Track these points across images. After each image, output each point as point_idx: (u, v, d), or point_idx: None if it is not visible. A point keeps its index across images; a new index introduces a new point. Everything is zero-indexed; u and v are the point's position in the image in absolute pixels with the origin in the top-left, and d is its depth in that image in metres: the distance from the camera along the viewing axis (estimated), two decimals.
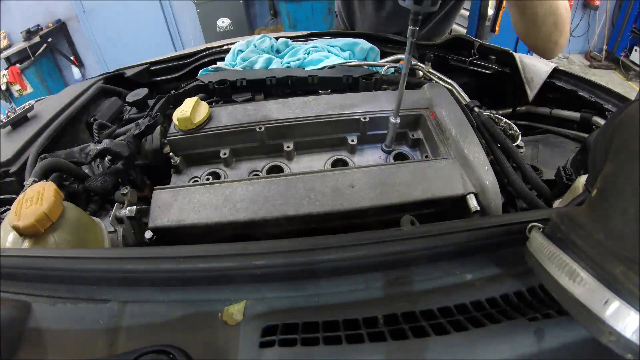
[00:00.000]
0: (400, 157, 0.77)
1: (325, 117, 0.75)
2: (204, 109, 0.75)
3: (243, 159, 0.77)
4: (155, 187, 0.65)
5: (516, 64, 1.04)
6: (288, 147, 0.75)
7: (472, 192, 0.62)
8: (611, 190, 0.33)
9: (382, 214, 0.63)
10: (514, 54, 1.05)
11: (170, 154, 0.73)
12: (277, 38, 1.13)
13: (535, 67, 1.05)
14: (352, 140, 0.76)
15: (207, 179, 0.73)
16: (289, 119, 0.75)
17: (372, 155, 0.77)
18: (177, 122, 0.73)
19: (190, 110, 0.73)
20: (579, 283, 0.31)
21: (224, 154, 0.74)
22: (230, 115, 0.76)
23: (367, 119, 0.74)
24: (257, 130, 0.73)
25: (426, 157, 0.74)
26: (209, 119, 0.75)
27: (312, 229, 0.63)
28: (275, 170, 0.75)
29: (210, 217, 0.59)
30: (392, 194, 0.61)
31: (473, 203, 0.61)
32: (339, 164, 0.75)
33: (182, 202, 0.62)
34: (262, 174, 0.73)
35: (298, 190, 0.62)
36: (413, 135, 0.77)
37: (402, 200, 0.61)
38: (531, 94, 1.01)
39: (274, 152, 0.77)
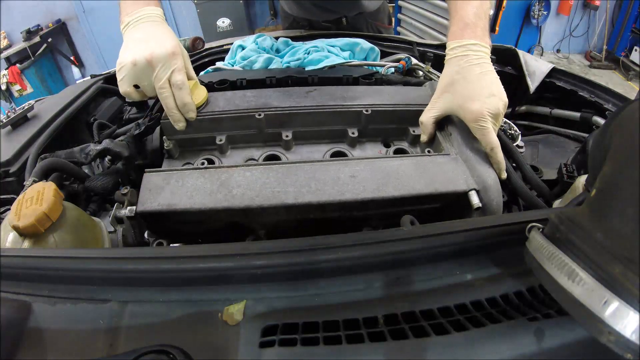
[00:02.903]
0: (400, 153, 0.76)
1: (326, 108, 0.73)
2: (202, 92, 0.73)
3: (239, 146, 0.75)
4: (146, 170, 0.62)
5: (519, 60, 1.04)
6: (287, 136, 0.73)
7: (474, 189, 0.62)
8: (610, 190, 0.33)
9: (383, 207, 0.61)
10: (517, 50, 1.06)
11: (163, 137, 0.71)
12: (277, 38, 1.13)
13: (537, 63, 1.05)
14: (353, 133, 0.74)
15: (202, 164, 0.70)
16: (290, 107, 0.73)
17: (373, 150, 0.76)
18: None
19: None
20: (578, 283, 0.31)
21: (220, 141, 0.71)
22: (228, 100, 0.74)
23: (370, 112, 0.73)
24: (256, 117, 0.70)
25: (428, 152, 0.74)
26: (206, 103, 0.73)
27: (311, 220, 0.61)
28: (273, 159, 0.73)
29: (203, 202, 0.57)
30: (394, 186, 0.60)
31: (475, 200, 0.60)
32: (338, 156, 0.74)
33: (174, 186, 0.59)
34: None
35: (298, 179, 0.60)
36: (414, 131, 0.76)
37: (405, 193, 0.59)
38: (532, 86, 1.02)
39: (272, 141, 0.75)
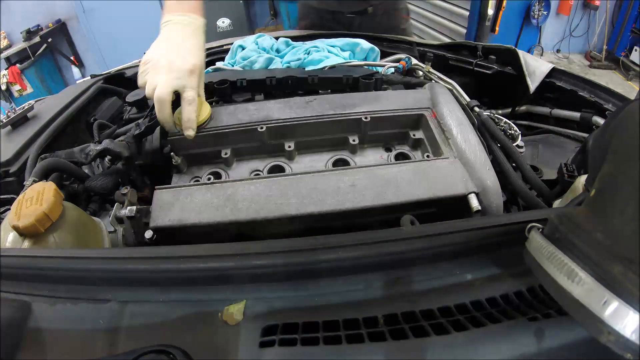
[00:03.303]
0: (401, 157, 0.77)
1: (326, 117, 0.75)
2: (205, 108, 0.75)
3: (244, 158, 0.77)
4: (156, 187, 0.65)
5: (519, 60, 1.04)
6: (289, 146, 0.75)
7: (474, 192, 0.62)
8: (609, 190, 0.33)
9: (383, 214, 0.62)
10: (517, 50, 1.06)
11: (172, 154, 0.73)
12: (277, 38, 1.13)
13: (537, 63, 1.05)
14: (354, 140, 0.75)
15: (209, 179, 0.72)
16: (291, 118, 0.74)
17: (374, 155, 0.77)
18: (178, 122, 0.73)
19: None
20: (578, 283, 0.31)
21: (225, 154, 0.73)
22: (231, 115, 0.76)
23: (369, 119, 0.74)
24: (259, 130, 0.72)
25: (427, 156, 0.74)
26: (210, 118, 0.75)
27: (313, 229, 0.63)
28: (277, 170, 0.75)
29: (211, 217, 0.59)
30: (393, 193, 0.61)
31: (474, 203, 0.61)
32: (339, 163, 0.75)
33: (183, 202, 0.62)
34: (263, 174, 0.73)
35: (300, 190, 0.62)
36: (414, 135, 0.77)
37: (404, 200, 0.61)
38: (532, 86, 1.02)
39: (275, 152, 0.77)
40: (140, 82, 0.71)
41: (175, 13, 0.71)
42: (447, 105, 0.77)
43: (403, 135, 0.79)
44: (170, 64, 0.67)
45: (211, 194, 0.63)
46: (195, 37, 0.72)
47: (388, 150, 0.78)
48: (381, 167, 0.66)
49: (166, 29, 0.71)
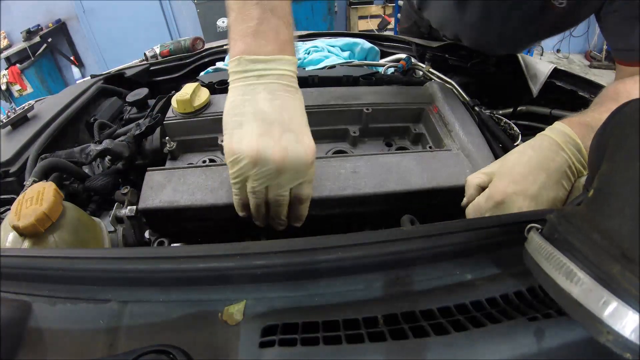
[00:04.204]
0: None
1: (327, 107, 0.74)
2: (204, 93, 0.75)
3: None
4: (148, 168, 0.63)
5: (518, 63, 1.04)
6: None
7: None
8: (608, 190, 0.33)
9: (385, 202, 0.62)
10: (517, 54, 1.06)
11: (166, 138, 0.71)
12: None
13: (538, 65, 1.05)
14: (354, 132, 0.75)
15: (204, 162, 0.71)
16: None
17: (374, 149, 0.77)
18: (176, 105, 0.72)
19: (190, 93, 0.72)
20: (577, 283, 0.31)
21: (222, 141, 0.71)
22: None
23: (370, 110, 0.73)
24: None
25: (430, 147, 0.74)
26: (208, 104, 0.74)
27: (310, 216, 0.61)
28: None
29: (205, 199, 0.57)
30: (395, 181, 0.60)
31: None
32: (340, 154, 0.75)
33: (176, 183, 0.59)
34: None
35: None
36: (415, 130, 0.77)
37: (407, 188, 0.60)
38: (535, 89, 1.02)
39: None
40: (238, 195, 0.53)
41: (261, 60, 0.48)
42: (448, 100, 0.77)
43: (404, 129, 0.79)
44: (282, 160, 0.47)
45: (206, 176, 0.60)
46: (293, 96, 0.52)
47: (389, 145, 0.78)
48: (384, 155, 0.65)
49: (251, 89, 0.47)
